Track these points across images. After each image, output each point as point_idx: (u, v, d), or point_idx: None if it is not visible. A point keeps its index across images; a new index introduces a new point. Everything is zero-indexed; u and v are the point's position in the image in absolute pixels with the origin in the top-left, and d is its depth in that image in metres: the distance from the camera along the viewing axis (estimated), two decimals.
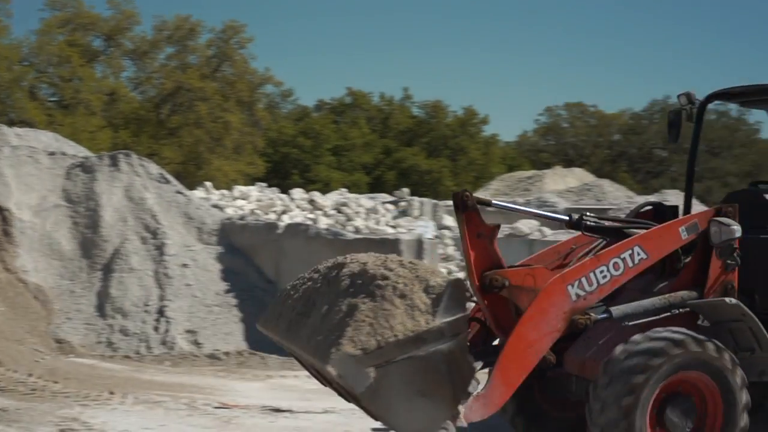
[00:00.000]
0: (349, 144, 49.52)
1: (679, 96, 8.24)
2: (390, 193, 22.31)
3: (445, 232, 17.31)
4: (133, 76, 42.16)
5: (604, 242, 7.09)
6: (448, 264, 15.40)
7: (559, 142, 68.23)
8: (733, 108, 68.20)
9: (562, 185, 29.21)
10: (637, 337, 6.25)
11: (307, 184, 38.96)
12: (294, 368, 11.52)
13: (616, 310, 6.53)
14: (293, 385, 10.92)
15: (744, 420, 6.33)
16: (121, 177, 14.93)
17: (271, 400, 9.78)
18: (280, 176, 44.83)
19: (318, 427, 8.62)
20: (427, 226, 16.84)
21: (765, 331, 6.70)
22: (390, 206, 19.13)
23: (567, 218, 7.09)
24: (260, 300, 13.71)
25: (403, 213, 18.64)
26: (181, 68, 40.43)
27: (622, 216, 8.69)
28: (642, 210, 7.69)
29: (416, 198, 20.07)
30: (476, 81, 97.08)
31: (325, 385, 6.54)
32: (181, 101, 39.45)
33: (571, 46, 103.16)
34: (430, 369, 5.52)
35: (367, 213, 18.08)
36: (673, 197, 16.29)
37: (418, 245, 13.10)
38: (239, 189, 19.57)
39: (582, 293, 6.30)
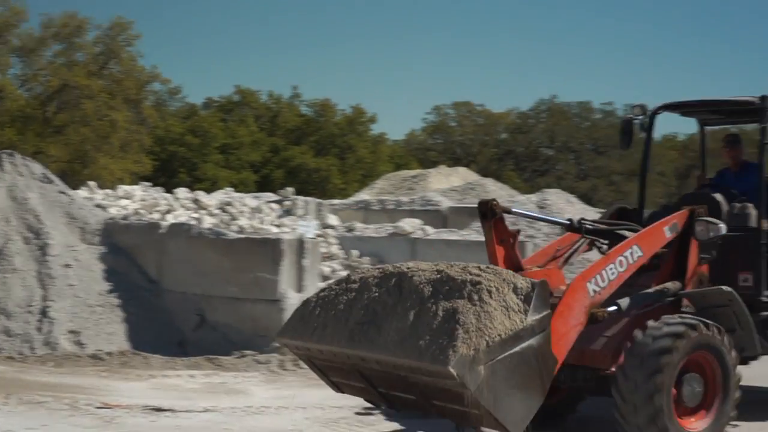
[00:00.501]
0: (237, 142, 49.46)
1: (633, 107, 9.61)
2: (277, 192, 22.47)
3: (329, 231, 17.58)
4: (19, 73, 41.39)
5: (586, 243, 8.27)
6: (331, 263, 15.66)
7: (446, 141, 68.99)
8: (619, 108, 70.53)
9: (446, 184, 29.65)
10: (655, 323, 7.22)
11: (195, 183, 38.87)
12: (176, 368, 11.71)
13: (623, 302, 7.49)
14: (175, 385, 11.04)
15: (738, 393, 7.45)
16: (4, 177, 14.75)
17: (153, 399, 9.85)
18: (167, 175, 44.51)
19: (199, 426, 8.76)
20: (308, 226, 17.11)
21: (747, 313, 7.90)
22: (274, 205, 19.31)
23: (568, 222, 8.21)
24: (143, 300, 13.80)
25: (288, 212, 18.84)
26: (68, 66, 39.83)
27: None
28: (612, 212, 8.96)
29: (300, 197, 20.28)
30: (365, 80, 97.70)
31: (374, 395, 7.08)
32: (68, 99, 38.86)
33: (459, 45, 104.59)
34: (524, 363, 6.10)
35: (252, 212, 18.25)
36: (555, 196, 16.88)
37: (300, 244, 13.32)
38: (123, 188, 19.52)
39: (598, 289, 7.09)
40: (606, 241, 8.36)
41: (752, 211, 8.70)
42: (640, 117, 9.60)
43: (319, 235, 16.51)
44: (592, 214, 17.14)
